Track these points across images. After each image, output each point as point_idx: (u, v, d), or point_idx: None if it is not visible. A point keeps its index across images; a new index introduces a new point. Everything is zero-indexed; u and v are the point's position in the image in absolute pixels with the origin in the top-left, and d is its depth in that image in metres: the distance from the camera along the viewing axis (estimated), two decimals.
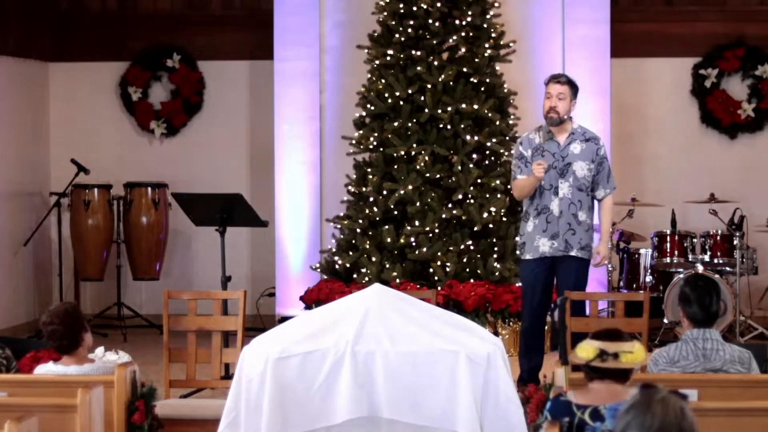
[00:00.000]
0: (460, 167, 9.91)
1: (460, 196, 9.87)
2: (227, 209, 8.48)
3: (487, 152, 10.05)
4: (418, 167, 9.88)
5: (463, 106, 9.96)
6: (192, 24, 11.76)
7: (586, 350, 4.52)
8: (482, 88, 10.08)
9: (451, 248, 9.75)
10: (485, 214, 9.81)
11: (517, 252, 8.15)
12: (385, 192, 9.95)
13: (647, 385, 3.47)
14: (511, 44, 10.31)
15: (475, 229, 9.83)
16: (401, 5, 10.13)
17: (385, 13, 10.22)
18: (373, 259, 9.84)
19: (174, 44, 11.74)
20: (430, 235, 9.80)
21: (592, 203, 7.90)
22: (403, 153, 9.95)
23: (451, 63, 10.10)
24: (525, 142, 7.97)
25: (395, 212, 9.94)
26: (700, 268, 10.04)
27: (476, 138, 9.96)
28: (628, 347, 4.50)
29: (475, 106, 9.98)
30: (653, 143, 11.42)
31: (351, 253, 10.03)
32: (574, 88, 7.85)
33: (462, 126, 9.97)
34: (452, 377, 5.45)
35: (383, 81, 10.14)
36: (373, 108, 10.16)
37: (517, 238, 8.21)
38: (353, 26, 10.94)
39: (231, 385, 5.65)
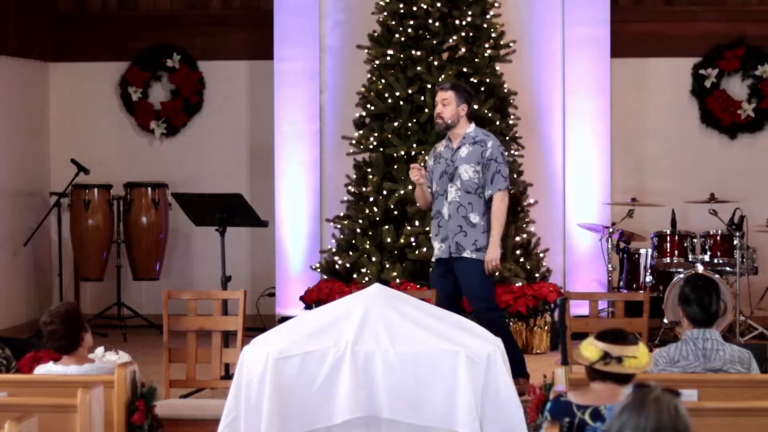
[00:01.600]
0: None
1: None
2: (227, 209, 8.47)
3: None
4: None
5: None
6: (192, 24, 11.75)
7: (590, 351, 4.50)
8: (482, 88, 10.07)
9: None
10: None
11: None
12: (385, 192, 9.94)
13: (641, 385, 3.47)
14: (511, 44, 10.30)
15: None
16: (401, 5, 10.12)
17: (385, 13, 10.22)
18: (373, 259, 9.83)
19: (174, 44, 11.73)
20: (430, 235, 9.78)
21: (489, 205, 7.87)
22: (403, 153, 9.94)
23: (451, 63, 10.09)
24: (431, 151, 8.08)
25: (395, 212, 9.93)
26: (700, 268, 10.04)
27: None
28: (633, 351, 4.48)
29: (475, 106, 9.97)
30: (653, 143, 11.41)
31: (351, 253, 10.02)
32: (460, 93, 7.89)
33: None
34: (452, 377, 5.46)
35: (383, 81, 10.13)
36: (373, 108, 10.16)
37: None
38: (353, 26, 10.94)
39: (231, 385, 5.66)
